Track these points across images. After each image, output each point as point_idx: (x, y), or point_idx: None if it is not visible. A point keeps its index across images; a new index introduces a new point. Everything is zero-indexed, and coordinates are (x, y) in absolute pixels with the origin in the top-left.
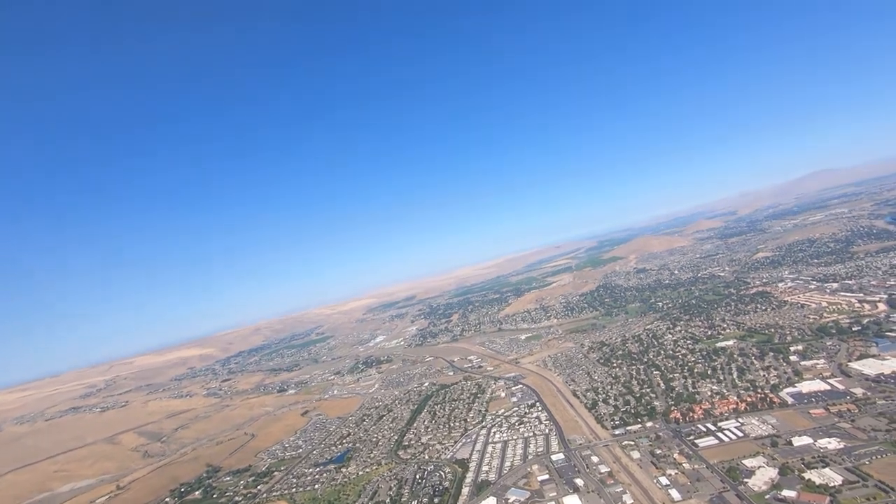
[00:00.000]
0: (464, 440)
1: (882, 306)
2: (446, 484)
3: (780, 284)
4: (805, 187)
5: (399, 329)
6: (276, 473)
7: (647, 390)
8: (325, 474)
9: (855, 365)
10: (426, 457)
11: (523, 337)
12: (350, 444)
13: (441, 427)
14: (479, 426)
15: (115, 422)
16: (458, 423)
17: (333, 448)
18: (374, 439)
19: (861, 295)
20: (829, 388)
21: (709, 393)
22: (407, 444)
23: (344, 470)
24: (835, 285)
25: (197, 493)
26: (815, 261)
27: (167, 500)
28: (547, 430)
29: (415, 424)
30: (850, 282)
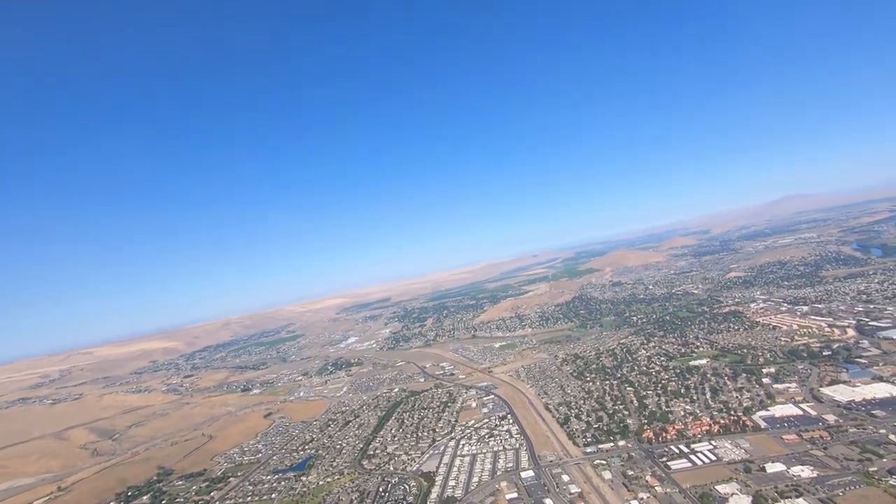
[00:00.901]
0: (431, 451)
1: (851, 332)
2: (410, 499)
3: (752, 305)
4: (777, 210)
5: (372, 331)
6: (231, 479)
7: (620, 407)
8: (283, 482)
9: (827, 390)
10: (391, 468)
11: (497, 345)
12: (312, 451)
13: (409, 436)
14: (448, 437)
15: (66, 416)
16: (426, 433)
17: (295, 454)
18: (339, 446)
19: (831, 319)
20: (801, 413)
21: (682, 413)
22: (372, 453)
23: (304, 478)
24: (805, 308)
25: (145, 497)
26: (786, 283)
27: None
28: (517, 445)
29: (381, 432)
30: (819, 305)
